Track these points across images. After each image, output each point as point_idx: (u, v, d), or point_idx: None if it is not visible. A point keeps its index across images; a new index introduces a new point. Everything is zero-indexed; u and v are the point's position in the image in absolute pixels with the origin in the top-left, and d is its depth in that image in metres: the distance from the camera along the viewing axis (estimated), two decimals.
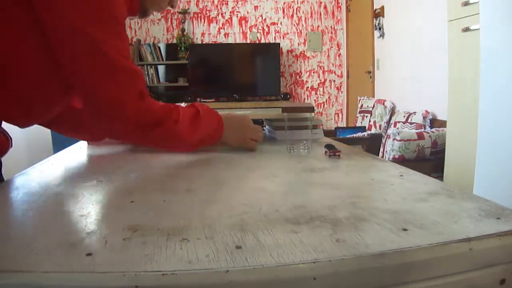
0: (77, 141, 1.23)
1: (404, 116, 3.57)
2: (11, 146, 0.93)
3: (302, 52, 5.50)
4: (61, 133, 1.11)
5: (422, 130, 3.12)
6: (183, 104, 1.08)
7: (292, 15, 5.46)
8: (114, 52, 0.80)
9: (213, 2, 5.38)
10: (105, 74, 0.80)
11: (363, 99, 4.56)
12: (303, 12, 5.46)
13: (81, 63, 0.79)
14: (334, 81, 5.56)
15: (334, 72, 5.54)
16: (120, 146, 1.15)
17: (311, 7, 5.47)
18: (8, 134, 0.92)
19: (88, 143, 1.20)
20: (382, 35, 4.44)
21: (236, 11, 5.41)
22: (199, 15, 5.39)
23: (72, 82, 0.83)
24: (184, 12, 5.30)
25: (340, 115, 5.59)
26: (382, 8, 4.40)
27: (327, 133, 1.71)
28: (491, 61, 1.74)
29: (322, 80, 5.54)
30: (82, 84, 0.82)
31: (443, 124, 2.96)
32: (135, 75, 0.85)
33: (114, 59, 0.80)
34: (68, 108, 1.06)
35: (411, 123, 3.43)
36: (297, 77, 5.51)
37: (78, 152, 1.12)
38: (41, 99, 0.85)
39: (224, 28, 5.42)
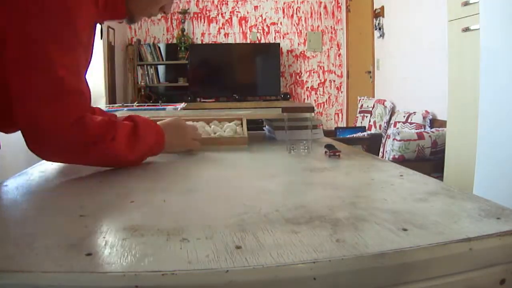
0: None
1: (404, 116, 3.57)
2: None
3: (302, 52, 5.50)
4: None
5: (422, 130, 3.11)
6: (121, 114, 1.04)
7: (292, 15, 5.46)
8: (65, 72, 0.77)
9: (213, 2, 5.38)
10: (49, 97, 0.77)
11: (363, 99, 4.56)
12: (303, 12, 5.46)
13: (29, 79, 0.76)
14: (334, 81, 5.55)
15: (334, 72, 5.54)
16: None
17: (311, 7, 5.47)
18: None
19: None
20: (382, 35, 4.44)
21: (236, 11, 5.41)
22: (199, 15, 5.39)
23: (13, 104, 0.78)
24: (184, 12, 5.30)
25: (340, 115, 5.59)
26: (382, 8, 4.40)
27: (327, 133, 1.71)
28: (491, 61, 1.74)
29: (322, 80, 5.54)
30: (22, 105, 0.78)
31: (443, 124, 2.96)
32: (81, 96, 0.81)
33: (64, 80, 0.77)
34: None
35: (411, 123, 3.43)
36: (297, 77, 5.51)
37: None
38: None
39: (224, 28, 5.42)
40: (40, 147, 0.81)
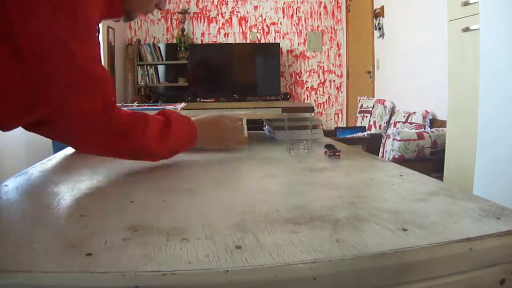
0: None
1: (404, 116, 3.57)
2: None
3: (302, 52, 5.50)
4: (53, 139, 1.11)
5: (422, 130, 3.11)
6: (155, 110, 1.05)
7: (292, 15, 5.46)
8: (87, 61, 0.79)
9: (213, 2, 5.38)
10: (77, 85, 0.78)
11: (363, 99, 4.56)
12: (303, 12, 5.46)
13: (53, 73, 0.77)
14: (334, 81, 5.56)
15: (334, 72, 5.54)
16: None
17: (311, 7, 5.47)
18: None
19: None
20: (382, 35, 4.44)
21: (236, 11, 5.41)
22: (199, 15, 5.39)
23: (40, 95, 0.79)
24: (184, 12, 5.30)
25: (340, 115, 5.59)
26: (382, 8, 4.40)
27: (327, 133, 1.71)
28: (491, 61, 1.74)
29: (322, 80, 5.54)
30: (50, 96, 0.78)
31: (443, 124, 2.96)
32: (105, 83, 0.82)
33: (88, 67, 0.79)
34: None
35: (411, 123, 3.43)
36: (297, 77, 5.51)
37: (78, 152, 1.12)
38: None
39: (224, 28, 5.42)
40: (73, 137, 0.82)
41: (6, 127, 0.90)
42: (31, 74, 0.77)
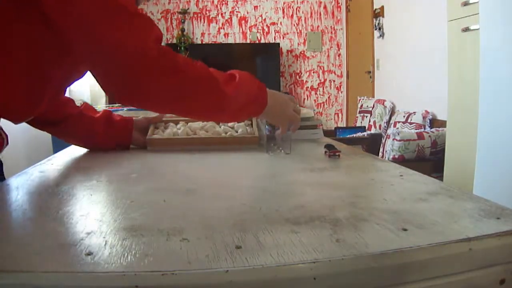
0: None
1: (404, 116, 3.57)
2: (7, 143, 0.91)
3: (302, 52, 5.50)
4: (64, 139, 1.11)
5: (422, 130, 3.11)
6: None
7: (292, 15, 5.46)
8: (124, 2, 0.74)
9: (213, 2, 5.38)
10: (119, 19, 0.72)
11: (363, 99, 4.56)
12: (303, 12, 5.46)
13: (88, 7, 0.71)
14: (334, 81, 5.55)
15: (334, 72, 5.54)
16: (120, 146, 1.15)
17: (311, 7, 5.47)
18: (4, 132, 0.90)
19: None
20: (382, 35, 4.44)
21: (236, 11, 5.41)
22: (199, 15, 5.39)
23: (73, 36, 0.74)
24: (184, 12, 5.30)
25: (340, 115, 5.59)
26: (382, 8, 4.40)
27: (327, 133, 1.71)
28: (491, 61, 1.74)
29: (322, 80, 5.54)
30: (89, 30, 0.72)
31: (443, 124, 2.96)
32: (151, 21, 0.77)
33: (127, 4, 0.73)
34: (78, 114, 1.06)
35: (411, 123, 3.43)
36: (297, 77, 5.51)
37: (78, 152, 1.12)
38: (33, 74, 0.79)
39: (224, 28, 5.42)
40: (127, 81, 0.76)
41: (20, 120, 0.88)
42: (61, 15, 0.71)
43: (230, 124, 1.24)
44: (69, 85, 0.99)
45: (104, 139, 1.11)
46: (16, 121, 0.88)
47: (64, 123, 1.05)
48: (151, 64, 0.74)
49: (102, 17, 0.72)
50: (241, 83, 0.85)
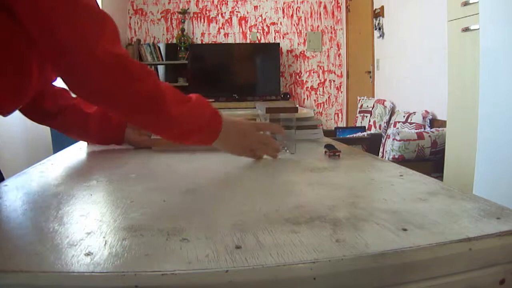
0: (77, 141, 1.23)
1: (404, 116, 3.57)
2: None
3: (302, 52, 5.50)
4: (63, 132, 1.11)
5: (422, 130, 3.12)
6: None
7: (292, 15, 5.46)
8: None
9: (213, 2, 5.38)
10: (70, 14, 0.71)
11: (363, 99, 4.57)
12: (303, 12, 5.46)
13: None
14: (334, 81, 5.56)
15: (334, 72, 5.55)
16: (120, 146, 1.15)
17: (311, 7, 5.47)
18: None
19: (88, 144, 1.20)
20: (382, 35, 4.44)
21: (236, 11, 5.41)
22: (199, 15, 5.39)
23: (30, 28, 0.72)
24: (184, 12, 5.30)
25: (340, 115, 5.59)
26: (382, 8, 4.40)
27: (327, 133, 1.71)
28: (491, 61, 1.74)
29: (322, 80, 5.54)
30: (40, 25, 0.70)
31: (443, 124, 2.97)
32: (105, 18, 0.75)
33: (86, 3, 0.72)
34: (72, 107, 1.06)
35: (411, 123, 3.44)
36: (297, 77, 5.51)
37: (78, 152, 1.12)
38: (9, 69, 0.77)
39: (224, 28, 5.42)
40: (80, 81, 0.75)
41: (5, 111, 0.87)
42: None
43: None
44: (56, 77, 0.98)
45: (98, 137, 1.12)
46: (2, 114, 0.87)
47: (60, 116, 1.05)
48: (102, 70, 0.73)
49: (57, 10, 0.70)
50: (191, 108, 0.83)
